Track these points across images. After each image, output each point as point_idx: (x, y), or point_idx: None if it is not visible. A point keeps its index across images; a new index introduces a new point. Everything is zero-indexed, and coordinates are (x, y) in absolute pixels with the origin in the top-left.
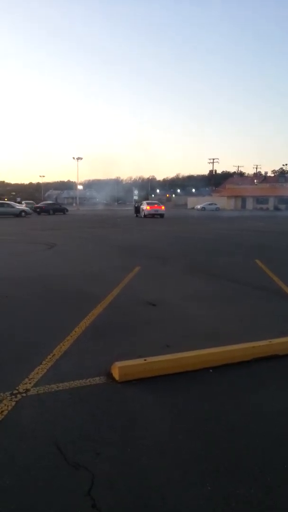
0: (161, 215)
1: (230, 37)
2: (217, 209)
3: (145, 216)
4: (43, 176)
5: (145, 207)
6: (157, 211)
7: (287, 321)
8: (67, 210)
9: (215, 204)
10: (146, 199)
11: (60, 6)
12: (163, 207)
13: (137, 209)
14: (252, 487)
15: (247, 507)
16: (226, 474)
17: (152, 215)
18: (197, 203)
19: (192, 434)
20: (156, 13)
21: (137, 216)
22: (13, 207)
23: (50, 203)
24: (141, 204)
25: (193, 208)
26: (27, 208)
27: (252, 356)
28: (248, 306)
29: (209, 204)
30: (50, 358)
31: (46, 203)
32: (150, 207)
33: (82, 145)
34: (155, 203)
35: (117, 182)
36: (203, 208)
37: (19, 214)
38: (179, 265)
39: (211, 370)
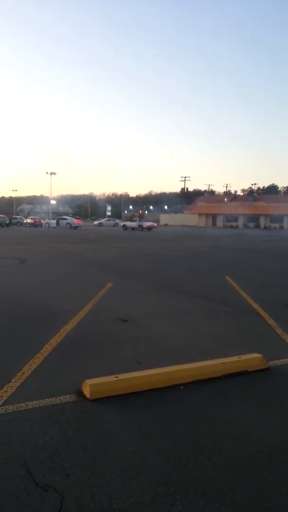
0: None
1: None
2: (116, 225)
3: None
4: (16, 190)
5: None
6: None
7: (256, 337)
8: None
9: (114, 220)
10: (120, 215)
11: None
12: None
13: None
14: (222, 505)
15: None
16: (196, 493)
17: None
18: (170, 220)
19: (162, 454)
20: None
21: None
22: None
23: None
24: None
25: (166, 224)
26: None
27: (222, 372)
28: (218, 323)
29: (107, 220)
30: (19, 375)
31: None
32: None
33: (55, 160)
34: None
35: (90, 197)
36: (101, 224)
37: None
38: (150, 282)
39: (182, 387)
